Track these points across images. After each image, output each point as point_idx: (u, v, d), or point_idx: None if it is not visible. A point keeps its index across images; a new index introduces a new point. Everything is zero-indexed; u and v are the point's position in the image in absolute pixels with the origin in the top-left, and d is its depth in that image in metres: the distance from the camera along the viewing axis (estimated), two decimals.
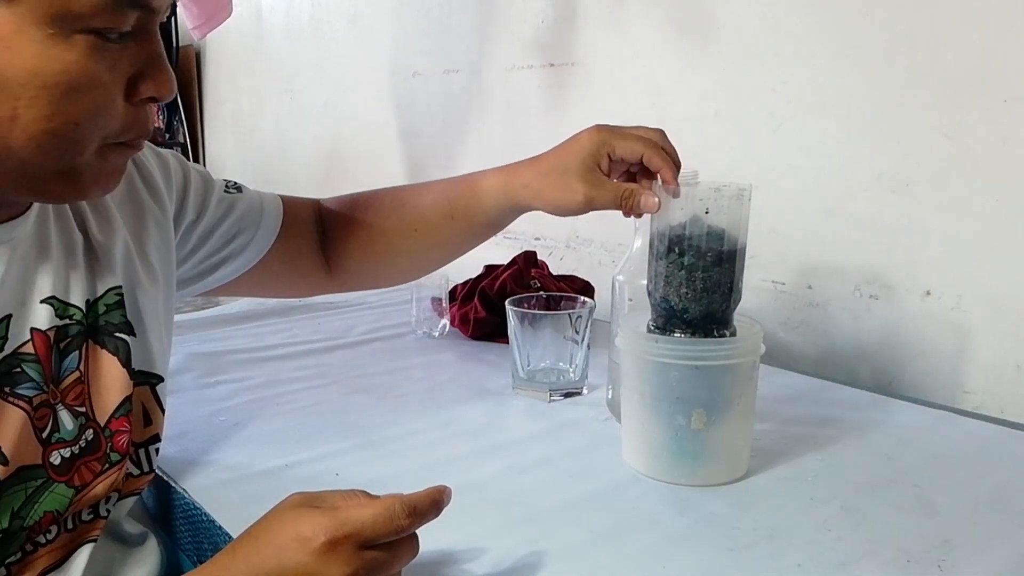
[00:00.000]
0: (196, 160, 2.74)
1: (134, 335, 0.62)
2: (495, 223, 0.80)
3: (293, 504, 0.51)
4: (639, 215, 0.71)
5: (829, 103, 1.07)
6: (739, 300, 0.71)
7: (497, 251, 1.54)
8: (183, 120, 2.68)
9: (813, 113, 1.09)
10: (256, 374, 0.99)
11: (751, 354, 0.69)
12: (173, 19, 2.37)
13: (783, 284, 1.15)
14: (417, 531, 0.51)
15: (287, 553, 0.47)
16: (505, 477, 0.71)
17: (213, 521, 0.64)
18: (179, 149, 2.75)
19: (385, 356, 1.07)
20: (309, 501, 0.50)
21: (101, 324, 0.60)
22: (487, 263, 1.21)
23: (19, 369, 0.54)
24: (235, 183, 0.78)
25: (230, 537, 0.61)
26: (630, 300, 0.80)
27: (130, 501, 0.64)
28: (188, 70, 2.66)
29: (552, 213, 0.77)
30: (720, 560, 0.58)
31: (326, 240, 0.85)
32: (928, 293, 1.00)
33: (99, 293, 0.60)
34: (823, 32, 1.07)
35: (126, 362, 0.61)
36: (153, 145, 0.69)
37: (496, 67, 1.56)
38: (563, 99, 1.42)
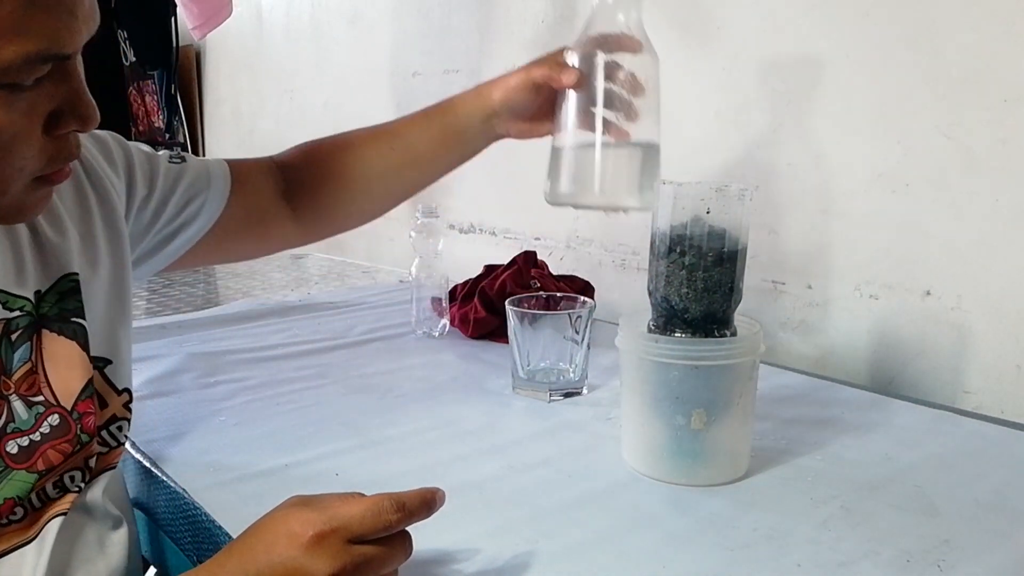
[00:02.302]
0: None
1: (86, 320, 0.63)
2: (466, 132, 0.86)
3: (289, 504, 0.51)
4: (562, 85, 0.77)
5: (829, 103, 1.07)
6: (739, 300, 0.71)
7: (497, 251, 1.54)
8: (183, 120, 2.67)
9: (813, 113, 1.09)
10: (256, 374, 0.99)
11: (751, 354, 0.69)
12: (173, 19, 2.36)
13: (783, 284, 1.15)
14: (415, 532, 0.51)
15: (276, 548, 0.48)
16: (505, 477, 0.71)
17: (213, 521, 0.64)
18: (179, 149, 2.75)
19: (385, 356, 1.07)
20: (305, 502, 0.51)
21: (55, 313, 0.61)
22: (487, 263, 1.21)
23: None
24: (178, 153, 0.79)
25: (229, 537, 0.61)
26: None
27: (106, 477, 0.66)
28: (188, 70, 2.66)
29: (506, 104, 0.83)
30: (720, 560, 0.58)
31: (291, 189, 0.86)
32: (928, 293, 1.00)
33: (51, 282, 0.62)
34: (823, 32, 1.07)
35: (84, 345, 0.63)
36: (89, 133, 0.68)
37: (496, 67, 1.56)
38: None
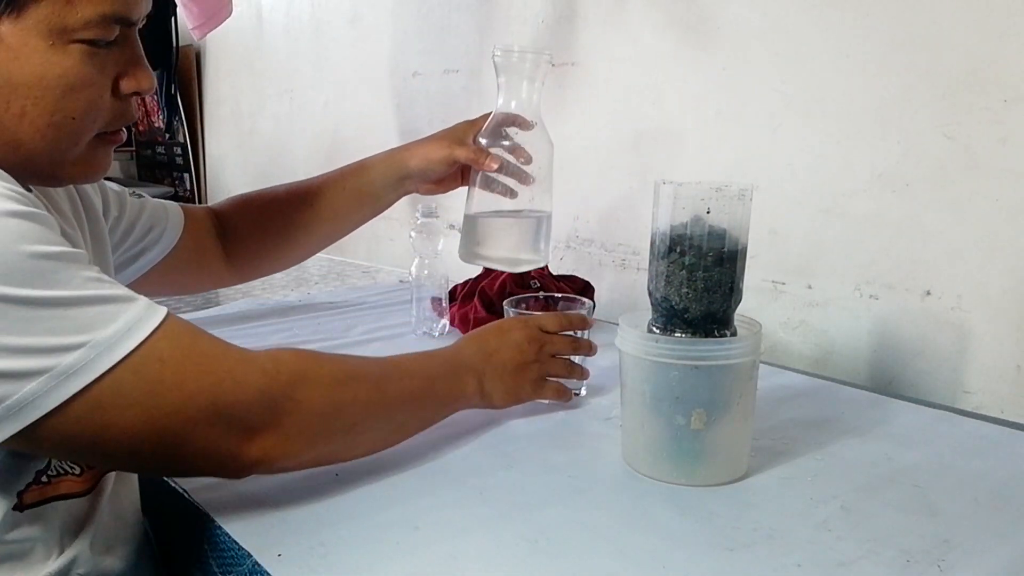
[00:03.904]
0: (196, 160, 2.74)
1: None
2: (379, 193, 1.00)
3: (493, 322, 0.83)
4: (486, 169, 0.93)
5: (829, 103, 1.07)
6: (740, 300, 0.71)
7: None
8: (183, 120, 2.67)
9: (813, 113, 1.09)
10: None
11: (751, 354, 0.69)
12: (173, 19, 2.36)
13: (783, 284, 1.15)
14: (415, 533, 0.51)
15: (491, 337, 0.81)
16: (505, 477, 0.71)
17: (213, 521, 0.64)
18: (179, 149, 2.75)
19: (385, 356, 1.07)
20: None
21: None
22: None
23: None
24: (137, 192, 0.92)
25: (229, 536, 0.61)
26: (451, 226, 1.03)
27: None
28: (188, 70, 2.66)
29: (423, 171, 0.97)
30: (720, 560, 0.58)
31: (225, 235, 0.98)
32: (928, 293, 1.00)
33: None
34: (823, 32, 1.07)
35: None
36: None
37: None
38: (563, 99, 1.42)
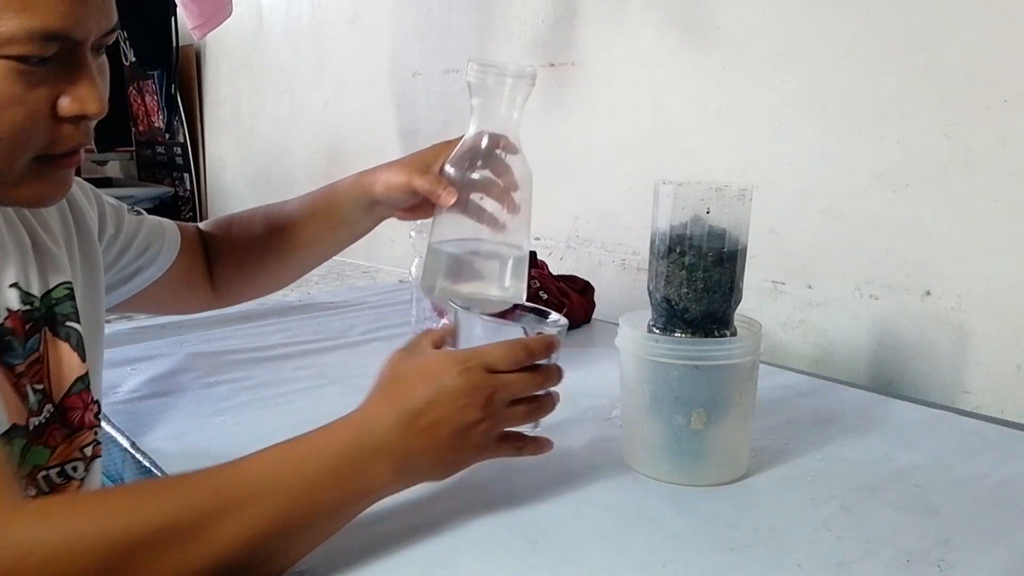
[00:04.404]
0: (196, 160, 2.74)
1: (81, 325, 0.69)
2: (349, 217, 0.90)
3: (410, 355, 0.64)
4: (440, 204, 0.80)
5: (829, 103, 1.07)
6: (739, 300, 0.71)
7: None
8: (183, 120, 2.67)
9: (813, 113, 1.09)
10: (256, 374, 0.99)
11: (751, 354, 0.69)
12: (173, 19, 2.36)
13: (783, 284, 1.15)
14: (414, 532, 0.51)
15: (421, 386, 0.59)
16: (505, 477, 0.71)
17: None
18: (179, 149, 2.75)
19: (385, 356, 1.07)
20: (422, 351, 0.64)
21: (54, 314, 0.66)
22: None
23: (8, 339, 0.61)
24: (135, 208, 0.87)
25: None
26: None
27: (97, 462, 0.70)
28: (188, 70, 2.66)
29: (386, 199, 0.86)
30: (719, 560, 0.58)
31: (209, 260, 0.94)
32: (928, 293, 1.00)
33: (50, 286, 0.67)
34: (823, 32, 1.07)
35: (77, 346, 0.67)
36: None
37: None
38: (563, 99, 1.42)
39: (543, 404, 0.64)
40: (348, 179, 0.90)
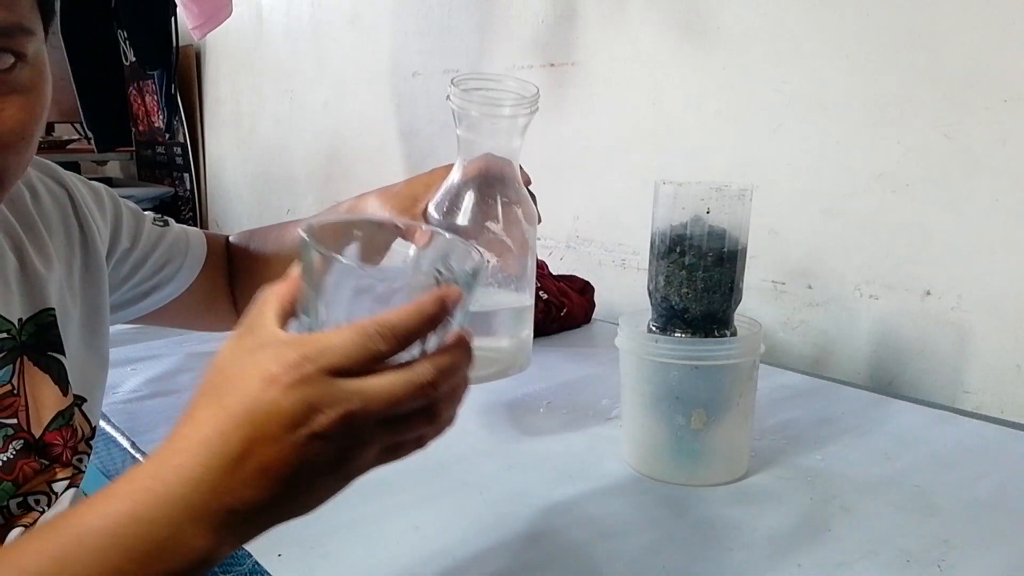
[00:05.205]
0: (196, 160, 2.74)
1: (65, 355, 0.64)
2: None
3: (251, 336, 0.43)
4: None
5: (829, 103, 1.07)
6: (739, 300, 0.71)
7: None
8: (183, 120, 2.68)
9: (813, 113, 1.09)
10: None
11: (751, 354, 0.69)
12: (173, 19, 2.37)
13: (783, 284, 1.15)
14: (413, 533, 0.51)
15: (251, 393, 0.40)
16: (505, 477, 0.71)
17: None
18: (179, 149, 2.75)
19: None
20: (262, 332, 0.43)
21: (33, 343, 0.62)
22: None
23: None
24: (163, 217, 0.82)
25: None
26: None
27: (70, 494, 0.65)
28: (188, 70, 2.66)
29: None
30: (720, 560, 0.58)
31: (231, 273, 0.89)
32: (928, 293, 1.00)
33: (32, 313, 0.62)
34: (823, 32, 1.07)
35: (58, 380, 0.63)
36: (86, 180, 0.73)
37: (496, 67, 1.56)
38: (563, 99, 1.42)
39: (435, 417, 0.42)
40: (347, 203, 0.85)
